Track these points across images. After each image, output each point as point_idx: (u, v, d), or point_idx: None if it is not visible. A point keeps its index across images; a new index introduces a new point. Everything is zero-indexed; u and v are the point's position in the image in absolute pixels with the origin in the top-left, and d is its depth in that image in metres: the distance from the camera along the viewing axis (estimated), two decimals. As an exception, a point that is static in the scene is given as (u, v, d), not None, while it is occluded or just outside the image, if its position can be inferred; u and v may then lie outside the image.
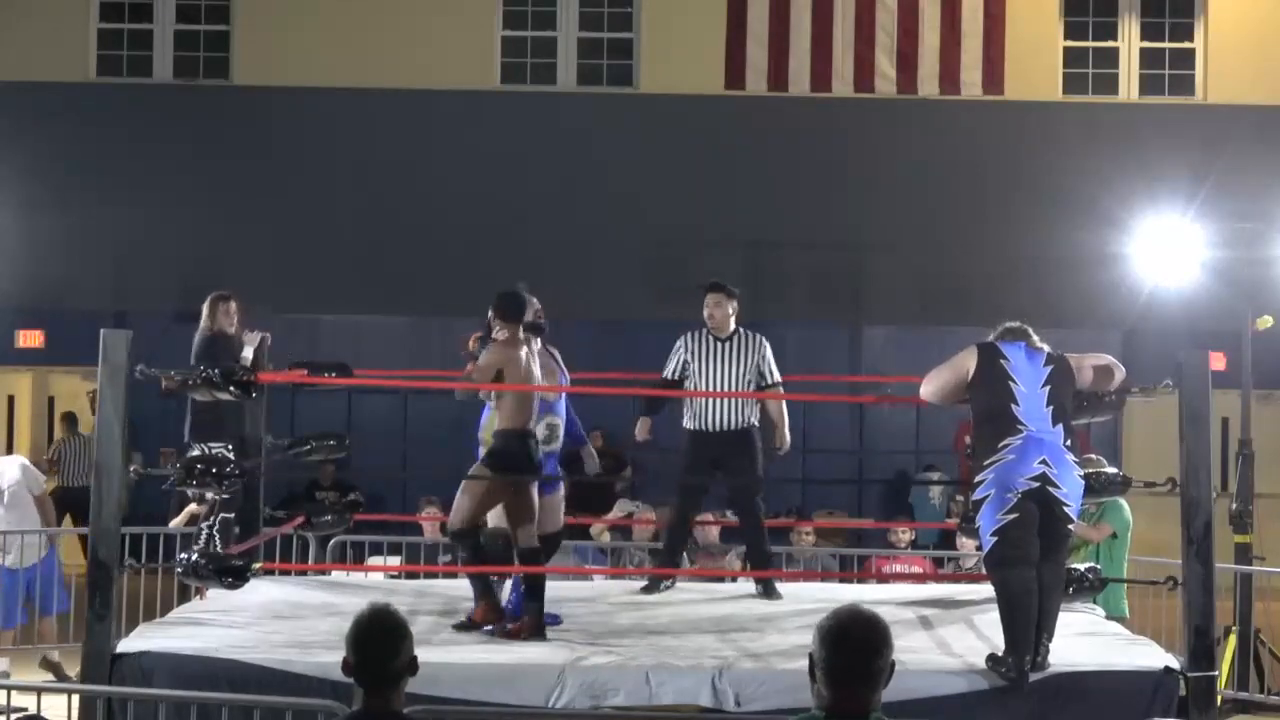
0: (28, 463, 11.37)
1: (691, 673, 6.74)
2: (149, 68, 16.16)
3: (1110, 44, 16.26)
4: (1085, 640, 7.41)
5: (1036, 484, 6.60)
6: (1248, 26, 16.00)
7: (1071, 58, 16.24)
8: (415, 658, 4.19)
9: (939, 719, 6.47)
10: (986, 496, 6.65)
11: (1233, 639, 10.41)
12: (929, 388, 7.08)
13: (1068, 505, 6.70)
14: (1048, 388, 6.76)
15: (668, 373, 9.02)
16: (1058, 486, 6.63)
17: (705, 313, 8.93)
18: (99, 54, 16.13)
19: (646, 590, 8.90)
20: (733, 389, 8.75)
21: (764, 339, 8.91)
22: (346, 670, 4.17)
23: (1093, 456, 10.28)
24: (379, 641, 4.13)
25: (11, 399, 16.35)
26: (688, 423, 8.95)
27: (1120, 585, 9.47)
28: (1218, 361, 8.53)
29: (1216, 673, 7.21)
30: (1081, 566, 7.96)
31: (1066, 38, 16.24)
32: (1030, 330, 7.03)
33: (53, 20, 15.93)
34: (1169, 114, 15.86)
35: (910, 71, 15.93)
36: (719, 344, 8.85)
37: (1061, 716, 6.68)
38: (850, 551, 11.76)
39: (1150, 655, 7.12)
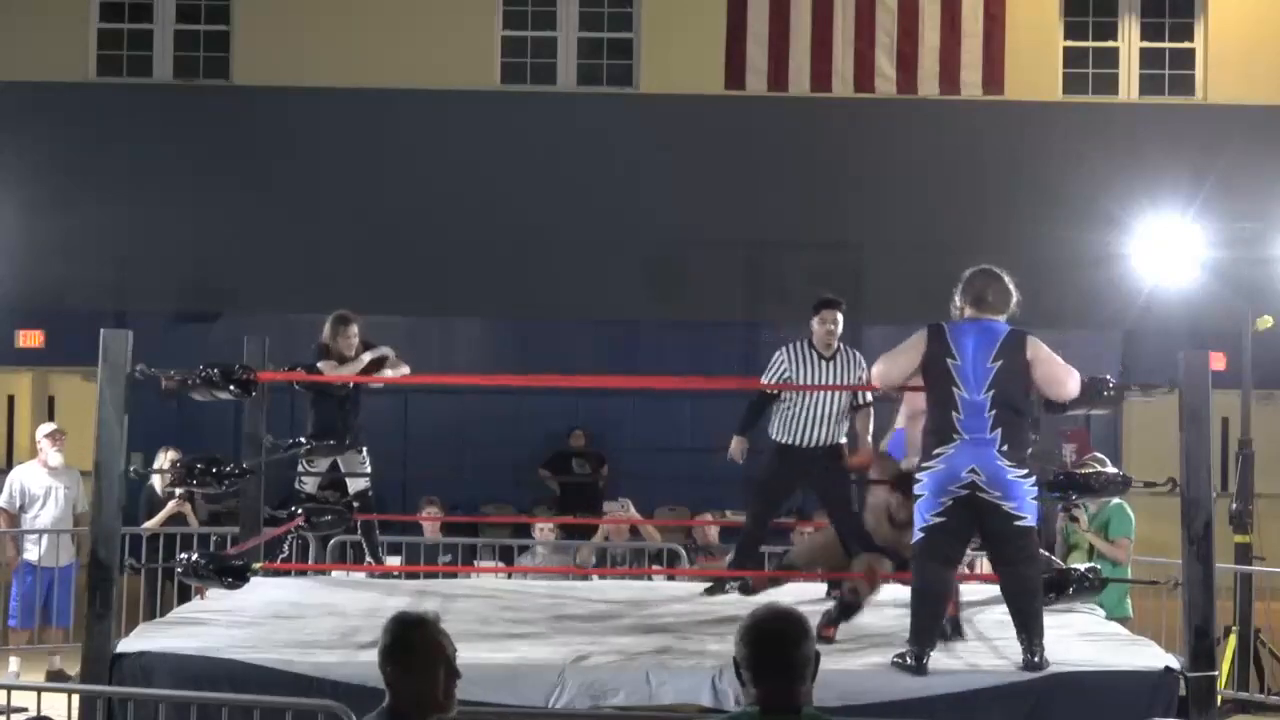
0: (80, 479, 11.48)
1: (691, 673, 6.75)
2: (149, 68, 16.14)
3: (1110, 44, 16.25)
4: (1085, 640, 7.42)
5: (966, 491, 6.71)
6: (1248, 26, 15.99)
7: (1071, 58, 16.23)
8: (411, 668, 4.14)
9: (938, 719, 6.48)
10: (922, 494, 6.81)
11: (1233, 639, 10.43)
12: (879, 368, 7.12)
13: (1008, 505, 6.72)
14: (992, 391, 6.73)
15: (766, 381, 8.86)
16: (988, 491, 6.69)
17: (821, 328, 8.79)
18: (99, 54, 16.11)
19: (710, 592, 8.85)
20: (830, 409, 8.61)
21: (862, 358, 8.73)
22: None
23: (1098, 455, 10.31)
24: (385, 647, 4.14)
25: (11, 399, 16.34)
26: (779, 436, 8.75)
27: (1124, 586, 9.48)
28: (1218, 361, 8.52)
29: (1216, 673, 7.21)
30: (1081, 566, 7.95)
31: (1066, 38, 16.23)
32: (992, 292, 6.92)
33: (53, 20, 15.92)
34: (1169, 114, 15.85)
35: (910, 71, 15.92)
36: (822, 361, 8.73)
37: (1061, 716, 6.68)
38: (850, 551, 11.72)
39: (1150, 655, 7.12)
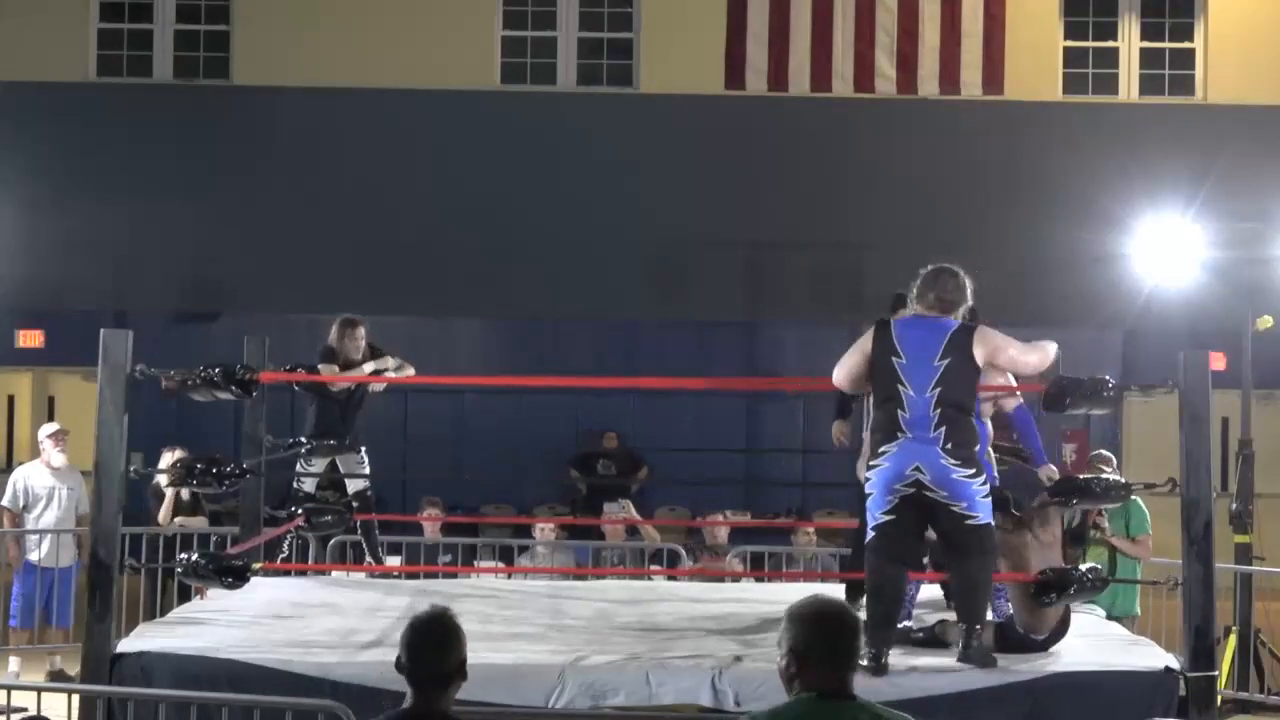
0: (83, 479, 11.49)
1: (691, 673, 6.74)
2: (149, 68, 16.15)
3: (1110, 44, 16.25)
4: (1085, 640, 7.41)
5: (912, 490, 6.71)
6: (1248, 26, 16.00)
7: (1071, 58, 16.23)
8: (465, 662, 4.21)
9: (938, 719, 6.48)
10: (871, 493, 6.82)
11: (1233, 639, 10.42)
12: (839, 374, 7.10)
13: (956, 505, 6.70)
14: (938, 390, 6.70)
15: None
16: (934, 490, 6.68)
17: None
18: (99, 54, 16.12)
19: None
20: None
21: None
22: (400, 668, 4.21)
23: (1104, 454, 10.28)
24: (433, 643, 4.16)
25: (11, 399, 16.35)
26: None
27: (1137, 585, 9.50)
28: (1218, 361, 8.52)
29: (1216, 673, 7.21)
30: (1082, 566, 7.94)
31: (1066, 38, 16.23)
32: (941, 290, 6.86)
33: (53, 20, 15.93)
34: (1169, 114, 15.85)
35: (910, 71, 15.93)
36: None
37: (1061, 716, 6.68)
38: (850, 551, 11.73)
39: (1150, 655, 7.12)
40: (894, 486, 6.72)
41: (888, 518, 6.77)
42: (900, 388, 6.73)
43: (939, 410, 6.68)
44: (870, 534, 6.87)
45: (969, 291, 6.97)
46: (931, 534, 6.98)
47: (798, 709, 3.81)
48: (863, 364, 6.93)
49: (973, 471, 6.74)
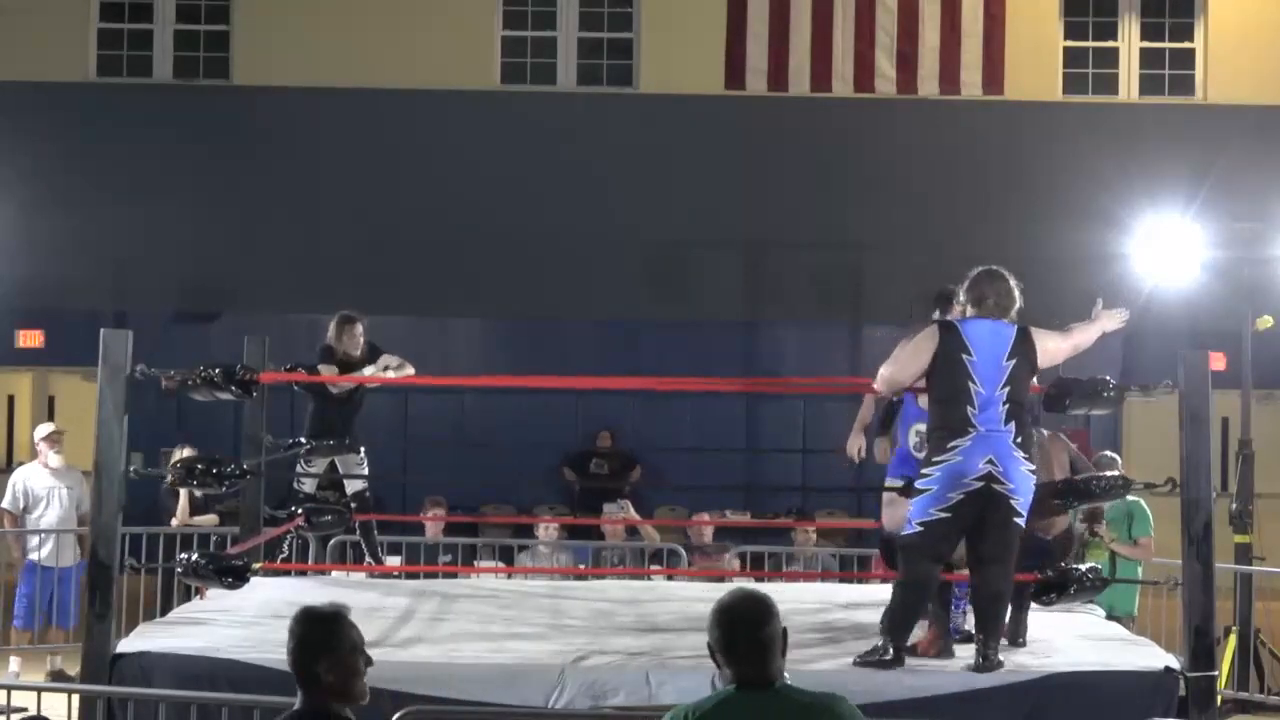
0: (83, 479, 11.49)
1: (691, 673, 6.73)
2: (149, 68, 16.16)
3: (1110, 44, 16.26)
4: (1085, 640, 7.42)
5: (981, 483, 6.70)
6: (1248, 26, 16.00)
7: (1071, 58, 16.24)
8: (349, 672, 4.16)
9: (939, 718, 6.48)
10: (929, 489, 6.77)
11: (1233, 639, 10.42)
12: (887, 372, 7.05)
13: (1016, 500, 6.73)
14: (1008, 388, 6.76)
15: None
16: (1003, 482, 6.70)
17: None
18: (99, 54, 16.13)
19: None
20: None
21: None
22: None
23: (1108, 454, 10.28)
24: (307, 641, 4.15)
25: (11, 399, 16.34)
26: None
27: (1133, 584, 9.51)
28: (1218, 361, 8.52)
29: (1216, 673, 7.21)
30: (1082, 566, 7.94)
31: (1066, 38, 16.24)
32: (997, 294, 6.91)
33: (53, 20, 15.93)
34: (1169, 114, 15.86)
35: (910, 71, 15.93)
36: None
37: (1061, 716, 6.68)
38: (850, 551, 11.76)
39: (1150, 655, 7.12)
40: (962, 481, 6.70)
41: (943, 514, 6.74)
42: (970, 384, 6.76)
43: (1006, 407, 6.75)
44: (915, 528, 6.82)
45: (1018, 293, 7.00)
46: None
47: (717, 699, 3.92)
48: (925, 364, 6.90)
49: (1034, 468, 6.84)
